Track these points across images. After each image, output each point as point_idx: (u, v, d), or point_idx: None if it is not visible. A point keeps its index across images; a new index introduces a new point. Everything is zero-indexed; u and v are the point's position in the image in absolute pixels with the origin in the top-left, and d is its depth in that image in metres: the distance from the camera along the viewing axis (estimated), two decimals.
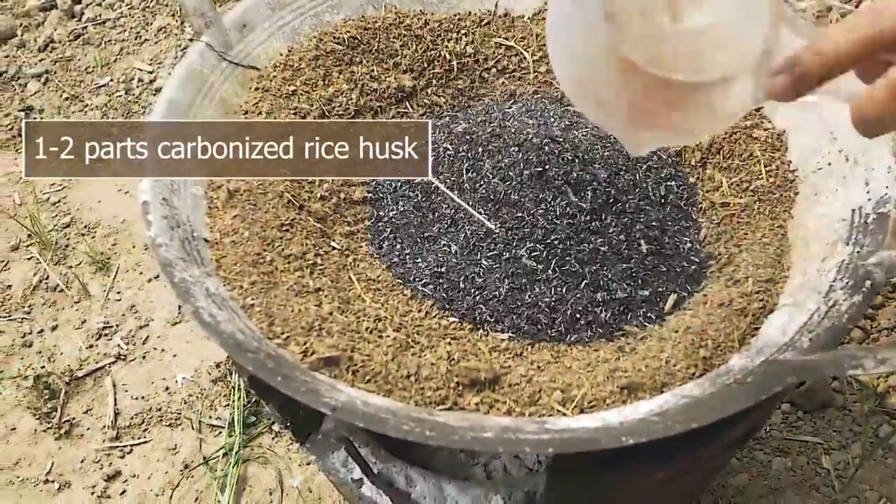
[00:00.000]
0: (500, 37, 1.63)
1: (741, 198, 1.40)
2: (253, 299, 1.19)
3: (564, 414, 1.09)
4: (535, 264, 1.32)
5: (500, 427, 1.04)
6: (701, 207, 1.43)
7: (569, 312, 1.27)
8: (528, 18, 1.65)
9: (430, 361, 1.15)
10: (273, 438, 1.91)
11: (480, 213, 1.36)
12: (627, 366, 1.15)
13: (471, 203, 1.37)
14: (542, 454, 1.43)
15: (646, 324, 1.28)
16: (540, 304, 1.28)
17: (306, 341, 1.14)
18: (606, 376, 1.13)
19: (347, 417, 1.01)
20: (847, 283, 1.13)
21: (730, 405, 1.01)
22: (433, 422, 1.04)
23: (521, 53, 1.63)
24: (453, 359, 1.17)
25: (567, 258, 1.32)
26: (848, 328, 1.07)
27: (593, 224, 1.35)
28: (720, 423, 1.00)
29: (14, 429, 1.99)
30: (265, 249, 1.28)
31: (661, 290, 1.32)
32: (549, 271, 1.31)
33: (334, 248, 1.37)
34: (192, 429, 1.95)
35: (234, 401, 1.94)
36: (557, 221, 1.35)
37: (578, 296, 1.29)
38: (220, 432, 1.94)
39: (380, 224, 1.43)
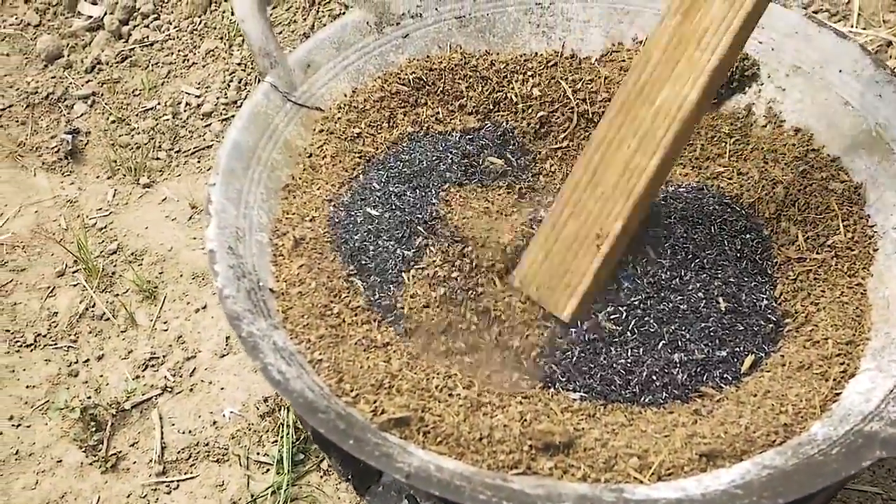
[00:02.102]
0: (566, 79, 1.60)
1: (818, 253, 1.36)
2: (321, 354, 1.17)
3: (641, 482, 1.06)
4: (614, 327, 1.30)
5: (577, 496, 1.01)
6: (776, 262, 1.39)
7: (644, 374, 1.24)
8: (596, 60, 1.62)
9: (502, 423, 1.12)
10: (321, 477, 1.88)
11: None
12: (705, 431, 1.12)
13: None
14: None
15: (722, 385, 1.25)
16: (615, 365, 1.26)
17: (376, 399, 1.11)
18: (684, 442, 1.10)
19: (422, 485, 0.99)
20: None
21: (816, 480, 0.98)
22: (509, 490, 1.01)
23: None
24: (525, 420, 1.14)
25: (646, 318, 1.30)
26: None
27: (673, 282, 1.33)
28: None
29: (60, 461, 1.96)
30: (332, 301, 1.26)
31: (738, 349, 1.28)
32: (628, 332, 1.29)
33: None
34: (240, 465, 1.92)
35: (282, 437, 1.92)
36: (638, 281, 1.33)
37: (656, 356, 1.26)
38: (268, 469, 1.91)
39: None
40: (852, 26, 2.37)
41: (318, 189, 1.41)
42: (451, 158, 1.48)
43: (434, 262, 1.30)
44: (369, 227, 1.35)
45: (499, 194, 1.48)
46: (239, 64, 2.73)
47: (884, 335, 1.20)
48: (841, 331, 1.24)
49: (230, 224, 1.26)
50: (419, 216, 1.36)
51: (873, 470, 1.80)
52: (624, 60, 1.59)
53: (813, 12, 2.18)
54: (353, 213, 1.37)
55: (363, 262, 1.32)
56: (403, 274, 1.30)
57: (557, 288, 1.33)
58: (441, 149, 1.49)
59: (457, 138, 1.52)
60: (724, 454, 1.08)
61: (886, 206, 1.33)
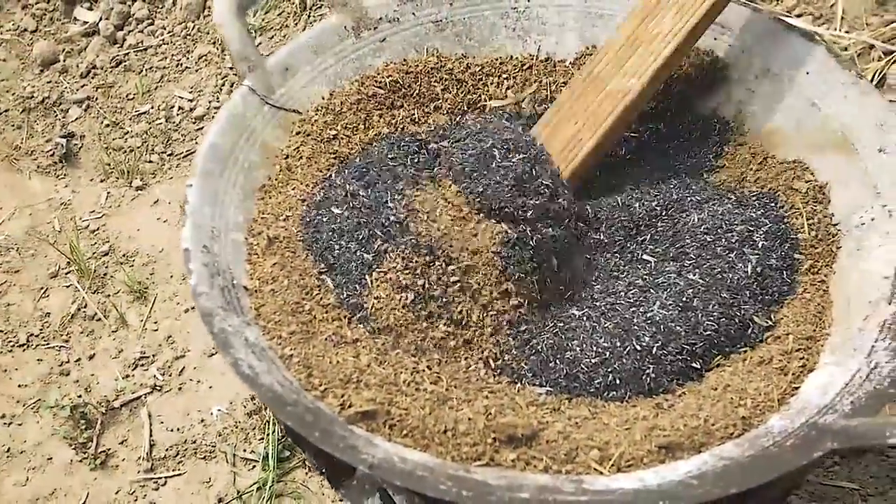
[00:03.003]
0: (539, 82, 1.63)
1: None
2: (292, 349, 1.19)
3: (601, 473, 1.08)
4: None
5: (537, 486, 1.04)
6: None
7: (611, 373, 1.27)
8: (570, 63, 1.65)
9: (467, 416, 1.14)
10: (307, 474, 1.91)
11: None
12: (665, 423, 1.14)
13: None
14: None
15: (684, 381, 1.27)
16: (582, 363, 1.28)
17: (344, 394, 1.14)
18: (644, 434, 1.12)
19: (385, 475, 1.02)
20: (889, 343, 1.12)
21: (769, 470, 1.00)
22: (471, 481, 1.04)
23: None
24: (490, 413, 1.16)
25: (615, 315, 1.33)
26: (890, 393, 1.06)
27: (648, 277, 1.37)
28: (759, 485, 1.00)
29: (51, 459, 2.00)
30: (304, 298, 1.29)
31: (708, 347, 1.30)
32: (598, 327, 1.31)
33: None
34: (227, 462, 1.95)
35: (268, 435, 1.95)
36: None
37: (623, 355, 1.28)
38: (254, 466, 1.94)
39: None
40: (836, 29, 2.39)
41: (293, 189, 1.44)
42: (419, 158, 1.51)
43: (395, 267, 1.31)
44: (333, 226, 1.37)
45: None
46: (231, 68, 2.76)
47: (843, 331, 1.22)
48: (802, 326, 1.26)
49: (206, 224, 1.29)
50: (378, 219, 1.38)
51: (851, 466, 1.81)
52: None
53: (796, 15, 2.20)
54: (321, 213, 1.40)
55: (330, 261, 1.34)
56: (366, 276, 1.32)
57: None
58: (411, 149, 1.52)
59: (426, 137, 1.54)
60: (682, 446, 1.11)
61: (850, 205, 1.35)
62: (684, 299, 1.31)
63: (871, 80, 2.28)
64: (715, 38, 1.56)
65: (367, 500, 1.37)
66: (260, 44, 2.74)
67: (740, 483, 0.99)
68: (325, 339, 1.24)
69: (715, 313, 1.29)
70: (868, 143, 1.36)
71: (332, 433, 1.05)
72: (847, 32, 2.37)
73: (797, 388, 1.17)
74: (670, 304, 1.31)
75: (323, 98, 1.55)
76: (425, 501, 1.34)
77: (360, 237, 1.35)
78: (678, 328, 1.28)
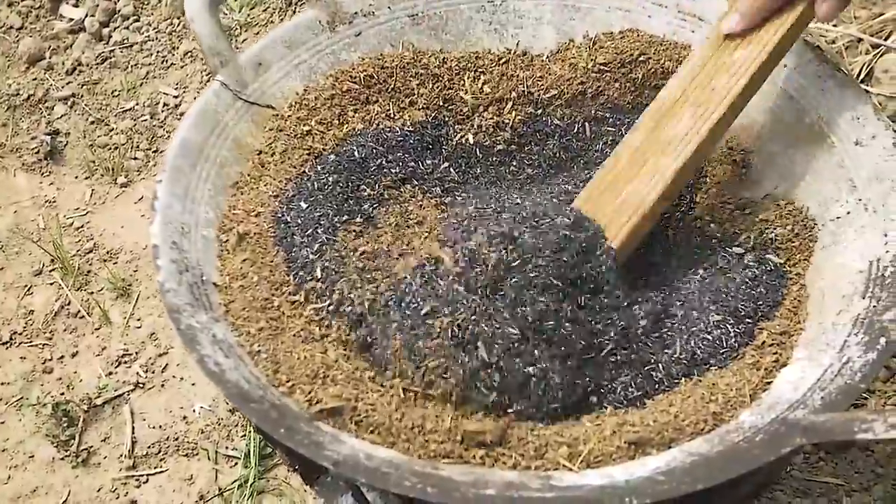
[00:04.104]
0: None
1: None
2: (260, 346, 1.18)
3: (571, 469, 1.07)
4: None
5: (503, 483, 1.03)
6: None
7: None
8: (547, 57, 1.64)
9: (434, 414, 1.13)
10: (289, 470, 1.91)
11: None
12: (635, 419, 1.13)
13: None
14: None
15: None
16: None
17: (311, 389, 1.13)
18: (613, 430, 1.11)
19: (349, 472, 1.00)
20: (862, 338, 1.11)
21: (736, 466, 0.99)
22: (437, 476, 1.03)
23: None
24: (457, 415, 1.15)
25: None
26: (861, 388, 1.05)
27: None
28: (729, 480, 0.99)
29: (32, 456, 1.99)
30: (273, 294, 1.28)
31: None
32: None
33: None
34: (209, 459, 1.95)
35: (250, 432, 1.94)
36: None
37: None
38: (236, 463, 1.94)
39: None
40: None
41: (265, 185, 1.43)
42: (389, 155, 1.50)
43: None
44: (299, 221, 1.37)
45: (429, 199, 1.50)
46: None
47: (817, 325, 1.21)
48: (777, 321, 1.25)
49: (175, 220, 1.28)
50: (323, 224, 1.38)
51: (836, 462, 1.81)
52: (574, 57, 1.60)
53: None
54: (291, 208, 1.39)
55: (293, 256, 1.34)
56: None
57: None
58: (382, 145, 1.51)
59: (398, 133, 1.54)
60: (652, 442, 1.10)
61: (826, 199, 1.34)
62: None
63: (859, 74, 2.28)
64: (693, 31, 1.55)
65: (341, 497, 1.37)
66: (245, 40, 2.73)
67: (707, 479, 0.98)
68: (294, 335, 1.23)
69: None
70: (844, 136, 1.35)
71: (298, 430, 1.04)
72: (835, 26, 2.37)
73: (769, 384, 1.16)
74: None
75: (297, 93, 1.53)
76: (399, 499, 1.34)
77: (308, 233, 1.36)
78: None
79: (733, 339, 1.25)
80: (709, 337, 1.26)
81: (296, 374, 1.15)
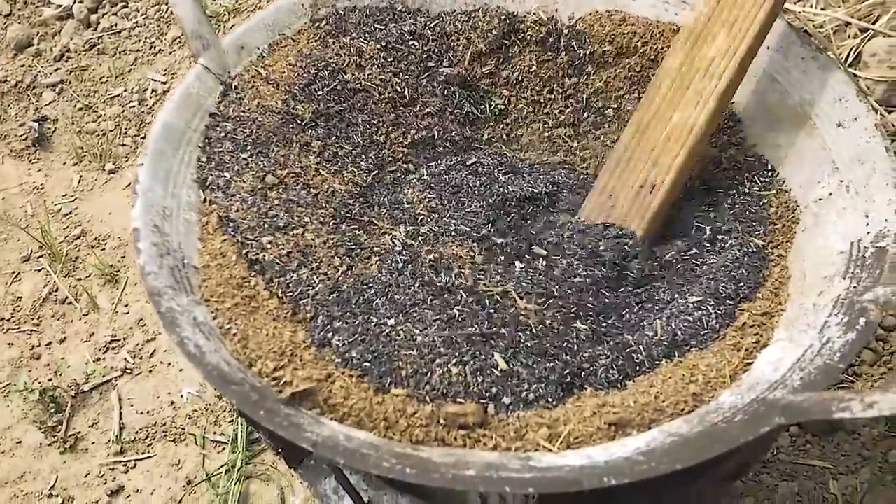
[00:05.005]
0: None
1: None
2: (231, 322, 1.18)
3: (550, 450, 1.07)
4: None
5: (483, 464, 1.02)
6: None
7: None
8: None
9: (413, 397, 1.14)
10: (274, 455, 1.91)
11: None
12: (616, 401, 1.13)
13: None
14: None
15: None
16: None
17: (276, 367, 1.13)
18: (594, 411, 1.11)
19: (328, 454, 1.00)
20: (842, 319, 1.11)
21: (715, 446, 0.99)
22: (416, 457, 1.03)
23: None
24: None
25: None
26: (840, 368, 1.05)
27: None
28: (709, 460, 0.99)
29: (20, 442, 1.99)
30: (251, 274, 1.27)
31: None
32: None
33: None
34: (196, 444, 1.95)
35: (237, 417, 1.94)
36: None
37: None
38: (224, 448, 1.93)
39: None
40: (812, 6, 2.38)
41: None
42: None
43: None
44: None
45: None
46: None
47: (798, 306, 1.21)
48: (759, 302, 1.25)
49: (157, 203, 1.28)
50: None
51: (822, 445, 1.81)
52: None
53: None
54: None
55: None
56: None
57: None
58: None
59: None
60: (633, 423, 1.10)
61: (809, 180, 1.35)
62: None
63: (847, 58, 2.28)
64: (676, 14, 1.55)
65: (325, 480, 1.37)
66: (234, 26, 2.72)
67: (685, 459, 0.98)
68: (266, 313, 1.23)
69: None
70: (827, 117, 1.35)
71: (277, 412, 1.04)
72: (823, 9, 2.36)
73: (750, 364, 1.16)
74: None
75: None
76: (381, 481, 1.34)
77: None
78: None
79: (714, 321, 1.25)
80: (689, 318, 1.26)
81: (263, 350, 1.15)
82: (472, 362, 1.19)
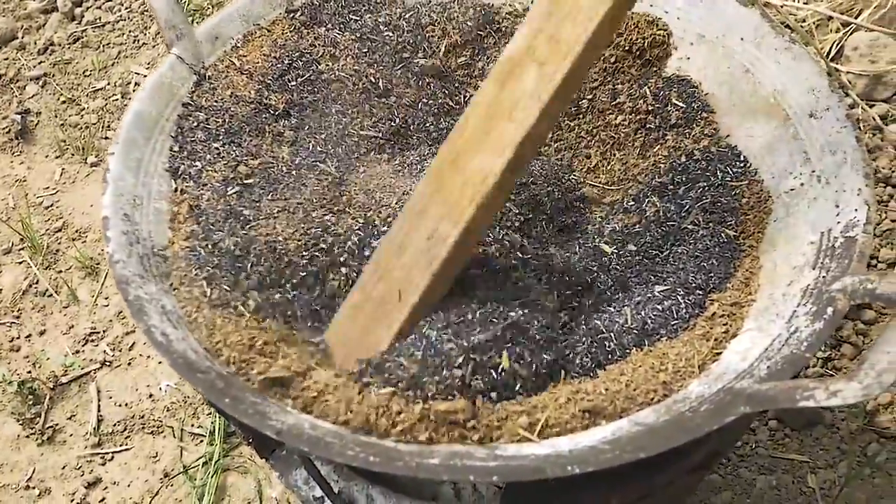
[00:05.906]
0: None
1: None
2: (198, 311, 1.18)
3: (531, 439, 1.06)
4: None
5: (448, 452, 1.02)
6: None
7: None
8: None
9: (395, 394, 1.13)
10: (245, 445, 1.90)
11: None
12: (589, 388, 1.13)
13: None
14: (487, 483, 1.36)
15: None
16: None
17: (243, 358, 1.12)
18: (569, 398, 1.11)
19: (292, 442, 1.00)
20: (810, 308, 1.11)
21: (680, 435, 0.99)
22: (380, 447, 1.03)
23: None
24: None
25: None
26: (806, 357, 1.05)
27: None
28: (675, 449, 0.99)
29: None
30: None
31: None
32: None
33: None
34: (174, 437, 1.95)
35: (214, 409, 1.94)
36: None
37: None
38: (201, 441, 1.93)
39: None
40: (794, 0, 2.38)
41: None
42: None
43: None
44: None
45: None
46: None
47: (768, 296, 1.21)
48: (728, 292, 1.26)
49: (128, 192, 1.28)
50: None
51: (801, 438, 1.81)
52: None
53: None
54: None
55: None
56: None
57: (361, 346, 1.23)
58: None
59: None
60: (605, 411, 1.09)
61: (780, 171, 1.35)
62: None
63: (829, 52, 2.28)
64: (651, 5, 1.55)
65: (296, 470, 1.37)
66: None
67: (649, 448, 0.98)
68: None
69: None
70: (799, 108, 1.35)
71: (243, 400, 1.04)
72: (805, 3, 2.37)
73: (719, 354, 1.16)
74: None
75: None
76: (352, 470, 1.34)
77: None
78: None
79: (684, 310, 1.25)
80: (659, 307, 1.26)
81: (231, 341, 1.14)
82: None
